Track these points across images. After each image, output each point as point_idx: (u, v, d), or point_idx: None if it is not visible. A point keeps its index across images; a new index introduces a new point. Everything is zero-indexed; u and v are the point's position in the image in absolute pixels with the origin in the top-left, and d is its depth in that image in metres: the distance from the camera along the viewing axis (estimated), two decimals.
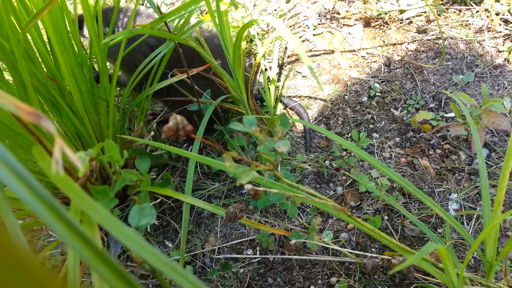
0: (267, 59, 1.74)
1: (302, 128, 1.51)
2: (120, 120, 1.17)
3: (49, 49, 0.96)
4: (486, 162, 1.31)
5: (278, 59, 1.76)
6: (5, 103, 0.34)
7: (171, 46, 1.10)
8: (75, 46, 0.99)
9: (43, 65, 0.92)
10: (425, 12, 1.75)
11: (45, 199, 0.37)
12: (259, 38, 1.79)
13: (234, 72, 1.16)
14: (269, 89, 1.44)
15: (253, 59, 1.81)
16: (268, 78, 1.57)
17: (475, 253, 1.10)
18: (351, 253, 0.99)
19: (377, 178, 1.29)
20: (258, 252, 1.17)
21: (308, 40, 1.86)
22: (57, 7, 0.87)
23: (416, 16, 1.76)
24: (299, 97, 1.65)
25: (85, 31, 1.20)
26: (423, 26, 1.73)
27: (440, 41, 1.65)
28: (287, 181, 0.69)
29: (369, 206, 1.25)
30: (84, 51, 1.03)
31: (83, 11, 0.89)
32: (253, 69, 1.35)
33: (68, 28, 0.96)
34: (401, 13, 1.76)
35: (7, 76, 1.23)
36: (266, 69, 1.67)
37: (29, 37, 0.88)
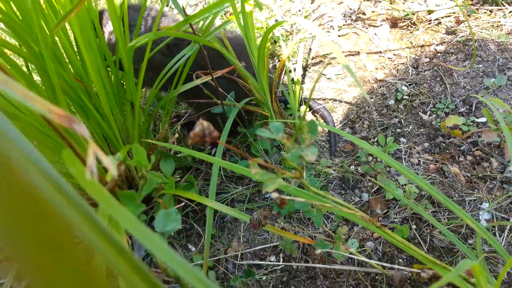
0: (291, 60, 1.72)
1: (327, 131, 1.48)
2: (145, 122, 1.17)
3: (76, 50, 0.96)
4: None
5: (302, 61, 1.74)
6: (38, 106, 0.33)
7: (196, 48, 1.09)
8: (100, 47, 0.99)
9: (70, 67, 0.92)
10: (454, 13, 1.69)
11: (76, 203, 0.36)
12: (283, 40, 1.77)
13: (259, 75, 1.14)
14: (293, 91, 1.42)
15: (277, 60, 1.79)
16: (292, 80, 1.55)
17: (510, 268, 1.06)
18: (377, 264, 0.96)
19: (405, 185, 1.26)
20: (281, 259, 1.15)
21: (333, 41, 1.83)
22: (84, 9, 0.87)
23: (445, 16, 1.70)
24: (324, 99, 1.63)
25: (108, 27, 1.20)
26: (452, 27, 1.68)
27: (471, 42, 1.59)
28: (314, 189, 0.67)
29: (396, 214, 1.21)
30: (111, 52, 1.03)
31: (109, 12, 0.89)
32: (277, 71, 1.33)
33: (95, 30, 0.96)
34: (429, 14, 1.71)
35: (36, 76, 1.25)
36: (290, 71, 1.65)
37: (56, 38, 0.88)
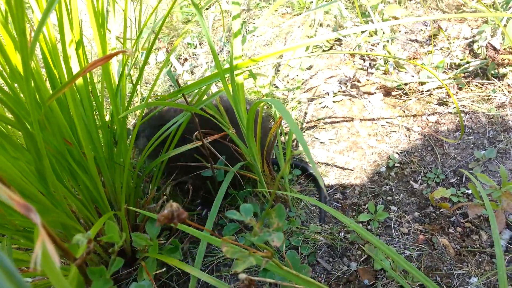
0: (284, 124, 1.76)
1: (317, 196, 1.49)
2: (134, 184, 1.19)
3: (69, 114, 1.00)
4: (508, 245, 1.24)
5: (297, 125, 1.78)
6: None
7: (188, 115, 1.13)
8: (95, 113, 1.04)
9: (60, 128, 0.96)
10: (446, 85, 1.75)
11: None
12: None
13: (248, 141, 1.18)
14: (284, 155, 1.45)
15: (273, 122, 1.84)
16: (284, 143, 1.59)
17: None
18: None
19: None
20: None
21: (327, 107, 1.88)
22: (81, 79, 0.92)
23: (437, 88, 1.76)
24: (317, 163, 1.65)
25: (141, 142, 1.27)
26: (444, 98, 1.73)
27: (462, 114, 1.63)
28: (286, 269, 0.67)
29: (383, 286, 1.18)
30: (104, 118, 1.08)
31: (108, 90, 0.94)
32: (270, 135, 1.37)
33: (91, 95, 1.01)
34: (421, 85, 1.77)
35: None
36: (281, 134, 1.68)
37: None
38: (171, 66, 2.28)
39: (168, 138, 1.15)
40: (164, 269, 1.09)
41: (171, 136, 1.14)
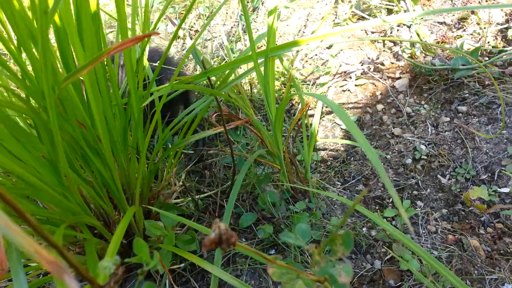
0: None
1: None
2: (148, 171, 1.11)
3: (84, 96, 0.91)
4: None
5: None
6: (24, 243, 0.26)
7: (211, 99, 1.04)
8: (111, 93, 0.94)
9: (74, 111, 0.87)
10: (478, 74, 1.64)
11: None
12: (300, 87, 1.72)
13: (275, 131, 1.08)
14: (308, 144, 1.36)
15: (292, 104, 1.74)
16: (308, 130, 1.49)
17: None
18: None
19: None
20: None
21: (349, 91, 1.78)
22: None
23: (468, 77, 1.65)
24: (337, 151, 1.56)
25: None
26: (475, 88, 1.62)
27: (494, 106, 1.53)
28: None
29: (410, 287, 1.12)
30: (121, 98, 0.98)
31: (125, 62, 0.83)
32: (292, 123, 1.28)
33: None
34: (451, 72, 1.67)
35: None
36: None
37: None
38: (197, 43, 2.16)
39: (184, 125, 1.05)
40: (183, 265, 1.02)
41: (190, 119, 1.04)
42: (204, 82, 1.00)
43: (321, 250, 0.48)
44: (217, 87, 1.03)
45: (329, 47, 2.01)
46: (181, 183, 1.20)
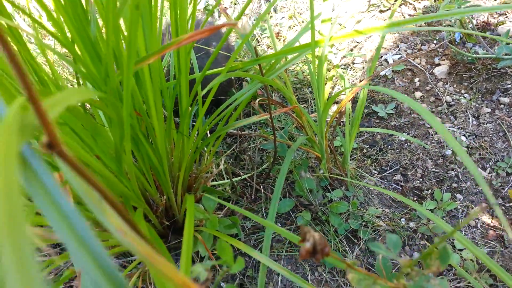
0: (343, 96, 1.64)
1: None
2: (192, 156, 1.11)
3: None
4: None
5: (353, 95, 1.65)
6: (137, 248, 0.26)
7: (258, 85, 1.02)
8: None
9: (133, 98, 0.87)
10: None
11: None
12: (342, 74, 1.68)
13: (320, 120, 1.07)
14: (350, 133, 1.34)
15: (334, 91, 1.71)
16: (350, 120, 1.47)
17: None
18: None
19: (462, 250, 1.16)
20: None
21: (386, 77, 1.74)
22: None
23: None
24: (374, 138, 1.54)
25: None
26: None
27: None
28: None
29: (450, 281, 1.12)
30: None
31: (181, 61, 0.82)
32: (334, 113, 1.26)
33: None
34: (495, 61, 1.61)
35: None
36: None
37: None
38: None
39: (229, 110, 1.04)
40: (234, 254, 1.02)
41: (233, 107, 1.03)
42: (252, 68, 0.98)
43: (413, 263, 0.47)
44: (266, 74, 1.01)
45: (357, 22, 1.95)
46: (221, 167, 1.20)
